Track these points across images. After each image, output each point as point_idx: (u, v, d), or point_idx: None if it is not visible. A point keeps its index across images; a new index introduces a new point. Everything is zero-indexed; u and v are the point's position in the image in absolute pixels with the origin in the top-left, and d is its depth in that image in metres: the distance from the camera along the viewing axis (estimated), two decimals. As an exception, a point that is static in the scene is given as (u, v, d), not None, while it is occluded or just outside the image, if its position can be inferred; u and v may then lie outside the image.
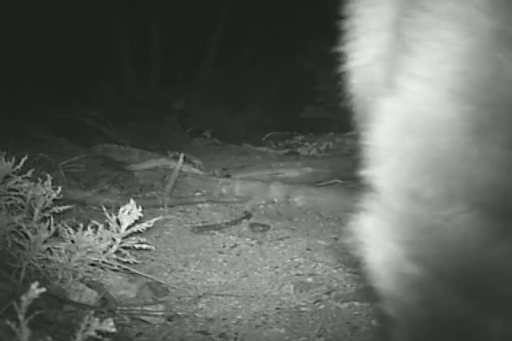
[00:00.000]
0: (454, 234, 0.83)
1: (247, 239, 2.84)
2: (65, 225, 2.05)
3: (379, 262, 0.91)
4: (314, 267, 2.50)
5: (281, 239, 2.87)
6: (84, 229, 1.99)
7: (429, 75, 0.83)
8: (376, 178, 0.90)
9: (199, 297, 2.15)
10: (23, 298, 0.93)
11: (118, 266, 2.10)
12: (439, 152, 0.83)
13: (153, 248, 2.17)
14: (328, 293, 2.21)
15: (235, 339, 1.85)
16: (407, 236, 0.87)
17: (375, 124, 0.90)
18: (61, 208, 2.09)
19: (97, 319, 1.03)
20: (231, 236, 2.87)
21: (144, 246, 2.08)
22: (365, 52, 1.07)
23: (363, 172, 0.92)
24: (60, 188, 2.11)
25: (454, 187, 0.82)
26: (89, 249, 1.99)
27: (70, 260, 1.96)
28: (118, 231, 2.03)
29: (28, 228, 1.95)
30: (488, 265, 0.82)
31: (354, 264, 0.99)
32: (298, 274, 2.42)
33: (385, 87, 0.91)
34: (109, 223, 2.04)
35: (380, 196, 0.90)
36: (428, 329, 0.88)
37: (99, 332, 1.04)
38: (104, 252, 2.04)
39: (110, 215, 2.05)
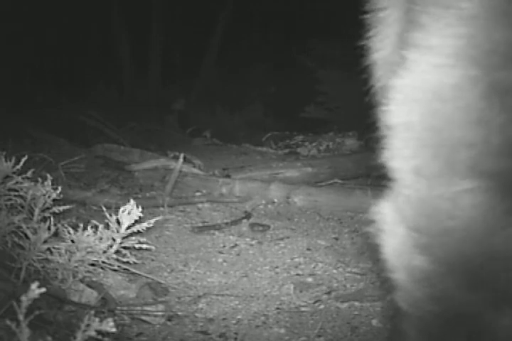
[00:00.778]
0: (459, 218, 0.81)
1: (247, 239, 2.84)
2: (65, 225, 2.05)
3: (392, 251, 0.90)
4: (314, 267, 2.50)
5: (281, 239, 2.87)
6: (84, 229, 1.99)
7: (432, 42, 0.82)
8: (390, 159, 0.89)
9: (199, 297, 2.15)
10: (23, 298, 0.93)
11: (118, 266, 2.10)
12: (441, 120, 0.81)
13: (153, 248, 2.17)
14: (328, 293, 2.21)
15: (235, 339, 1.85)
16: (414, 223, 0.86)
17: (388, 103, 0.89)
18: (61, 208, 2.09)
19: (97, 319, 1.03)
20: (231, 236, 2.87)
21: (144, 246, 2.08)
22: (386, 42, 1.07)
23: (383, 157, 0.91)
24: (60, 188, 2.11)
25: (458, 158, 0.80)
26: (89, 249, 1.99)
27: (70, 260, 1.96)
28: (118, 231, 2.03)
29: (28, 228, 1.95)
30: (496, 253, 0.80)
31: (373, 252, 0.97)
32: (298, 274, 2.42)
33: (397, 66, 0.90)
34: (109, 223, 2.04)
35: (394, 178, 0.88)
36: (437, 324, 0.87)
37: (99, 332, 1.04)
38: (104, 252, 2.03)
39: (110, 215, 2.04)
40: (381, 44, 1.10)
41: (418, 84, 0.84)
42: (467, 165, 0.79)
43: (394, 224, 0.89)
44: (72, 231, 1.99)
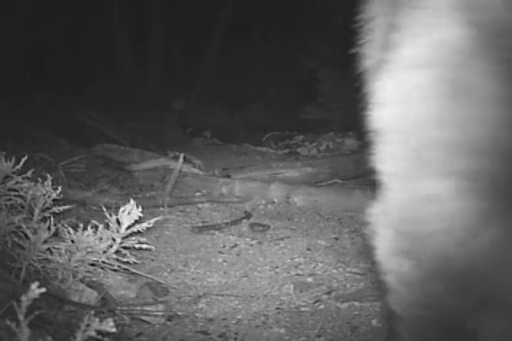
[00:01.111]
0: (440, 221, 0.79)
1: (247, 239, 2.84)
2: (65, 225, 2.05)
3: (383, 254, 0.90)
4: (314, 267, 2.50)
5: (281, 239, 2.87)
6: (84, 229, 1.99)
7: (403, 43, 0.82)
8: (377, 163, 0.89)
9: (199, 297, 2.15)
10: (23, 298, 0.93)
11: (118, 266, 2.10)
12: (410, 121, 0.81)
13: (153, 248, 2.17)
14: (328, 293, 2.21)
15: (235, 339, 1.85)
16: (399, 226, 0.85)
17: (370, 108, 0.89)
18: (61, 208, 2.09)
19: (97, 319, 1.03)
20: (231, 236, 2.87)
21: (144, 246, 2.08)
22: (375, 49, 1.07)
23: (373, 160, 0.91)
24: (60, 188, 2.11)
25: (430, 159, 0.79)
26: (89, 249, 1.99)
27: (70, 260, 1.96)
28: (118, 231, 2.03)
29: (28, 228, 1.95)
30: (479, 256, 0.78)
31: (370, 253, 0.97)
32: (298, 274, 2.42)
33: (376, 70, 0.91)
34: (109, 223, 2.04)
35: (382, 181, 0.89)
36: (430, 328, 0.87)
37: (99, 332, 1.04)
38: (104, 252, 2.04)
39: (110, 215, 2.05)
40: (371, 51, 1.11)
41: (390, 87, 0.84)
42: (440, 165, 0.79)
43: (384, 226, 0.89)
44: (72, 231, 1.99)
